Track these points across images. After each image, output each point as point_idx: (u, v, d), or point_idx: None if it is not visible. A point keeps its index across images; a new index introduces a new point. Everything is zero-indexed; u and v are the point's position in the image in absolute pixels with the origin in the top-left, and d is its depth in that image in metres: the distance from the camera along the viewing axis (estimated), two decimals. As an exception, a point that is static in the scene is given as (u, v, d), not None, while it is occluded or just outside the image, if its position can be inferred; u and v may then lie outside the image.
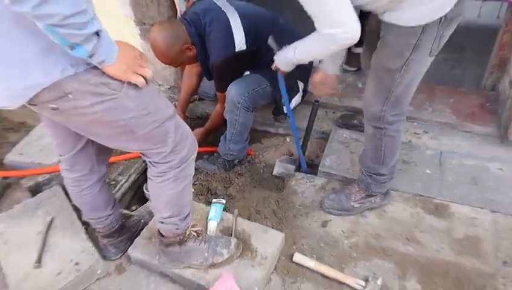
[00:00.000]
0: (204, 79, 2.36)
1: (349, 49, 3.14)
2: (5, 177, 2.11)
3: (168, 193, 1.43)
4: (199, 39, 2.01)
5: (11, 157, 2.20)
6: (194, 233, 1.61)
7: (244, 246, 1.70)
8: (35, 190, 2.01)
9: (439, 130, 2.34)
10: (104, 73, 1.08)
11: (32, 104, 1.13)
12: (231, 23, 1.98)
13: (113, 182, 2.13)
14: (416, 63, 1.50)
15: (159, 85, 2.64)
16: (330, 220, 1.89)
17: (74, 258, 1.69)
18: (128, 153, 2.21)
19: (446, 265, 1.68)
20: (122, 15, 2.37)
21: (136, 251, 1.71)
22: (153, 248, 1.71)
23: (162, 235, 1.56)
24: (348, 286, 1.62)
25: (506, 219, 1.84)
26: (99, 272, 1.70)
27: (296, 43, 1.64)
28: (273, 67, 1.84)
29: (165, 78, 2.58)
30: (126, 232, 1.79)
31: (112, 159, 2.21)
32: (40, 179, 2.03)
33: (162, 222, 1.51)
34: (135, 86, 1.15)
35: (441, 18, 1.38)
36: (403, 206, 1.93)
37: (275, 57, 1.80)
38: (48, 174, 2.05)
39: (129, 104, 1.17)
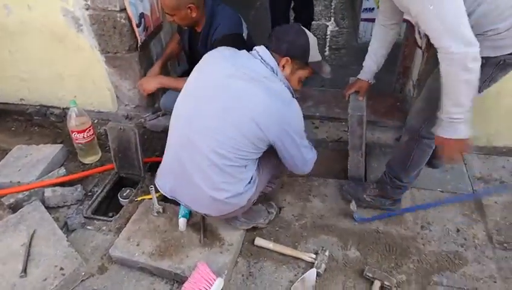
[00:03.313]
0: (167, 95, 2.30)
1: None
2: (-15, 198, 1.94)
3: None
4: (210, 11, 1.86)
5: (-10, 179, 2.03)
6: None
7: (212, 236, 1.69)
8: (15, 207, 1.87)
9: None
10: None
11: None
12: (241, 17, 1.92)
13: (90, 193, 2.04)
14: None
15: (125, 105, 2.56)
16: (283, 207, 1.92)
17: (58, 264, 1.58)
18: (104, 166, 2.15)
19: (377, 233, 1.77)
20: (88, 46, 2.28)
21: (116, 250, 1.64)
22: (131, 247, 1.65)
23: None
24: (302, 260, 1.66)
25: (419, 192, 1.97)
26: (83, 274, 1.61)
27: (441, 108, 1.29)
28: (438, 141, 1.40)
29: (130, 98, 2.50)
30: None
31: (86, 172, 2.12)
32: (20, 196, 1.88)
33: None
34: None
35: (500, 60, 1.28)
36: (337, 190, 2.00)
37: (439, 134, 1.35)
38: (27, 191, 1.91)
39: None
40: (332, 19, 4.16)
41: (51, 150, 2.20)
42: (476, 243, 1.72)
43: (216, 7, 1.87)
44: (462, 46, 1.14)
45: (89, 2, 2.10)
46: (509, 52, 1.28)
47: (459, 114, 1.26)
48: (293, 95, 1.42)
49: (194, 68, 1.50)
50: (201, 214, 1.65)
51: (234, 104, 1.34)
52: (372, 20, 3.38)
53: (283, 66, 1.42)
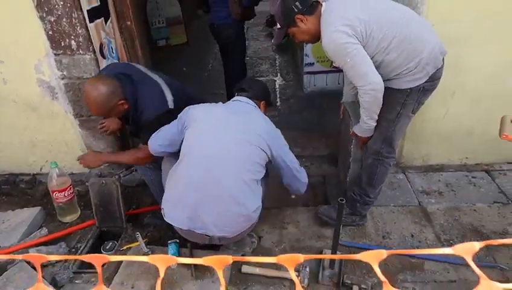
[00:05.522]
0: None
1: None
2: (-38, 268, 1.92)
3: None
4: (132, 97, 1.88)
5: (-34, 248, 2.02)
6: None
7: (202, 268, 1.83)
8: (-1, 271, 1.88)
9: (321, 159, 2.82)
10: None
11: None
12: (161, 85, 1.96)
13: (73, 249, 2.10)
14: (404, 116, 1.85)
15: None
16: (262, 236, 2.12)
17: (54, 317, 1.63)
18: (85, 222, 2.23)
19: (347, 247, 2.03)
20: (63, 112, 2.46)
21: (112, 295, 1.72)
22: (126, 290, 1.74)
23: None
24: (286, 278, 1.85)
25: (376, 209, 2.28)
26: (79, 323, 1.65)
27: (361, 115, 1.85)
28: (352, 134, 2.04)
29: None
30: None
31: (69, 230, 2.19)
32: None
33: None
34: None
35: (420, 87, 1.75)
36: (307, 215, 2.27)
37: (355, 131, 1.97)
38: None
39: None
40: (279, 74, 4.71)
41: (28, 214, 2.25)
42: (428, 243, 2.04)
43: (135, 90, 1.90)
44: (368, 84, 1.68)
45: (64, 72, 2.33)
46: (424, 81, 1.75)
47: (371, 123, 1.85)
48: None
49: (200, 114, 1.78)
50: (216, 238, 1.75)
51: (244, 125, 1.75)
52: (313, 73, 3.97)
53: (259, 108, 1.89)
